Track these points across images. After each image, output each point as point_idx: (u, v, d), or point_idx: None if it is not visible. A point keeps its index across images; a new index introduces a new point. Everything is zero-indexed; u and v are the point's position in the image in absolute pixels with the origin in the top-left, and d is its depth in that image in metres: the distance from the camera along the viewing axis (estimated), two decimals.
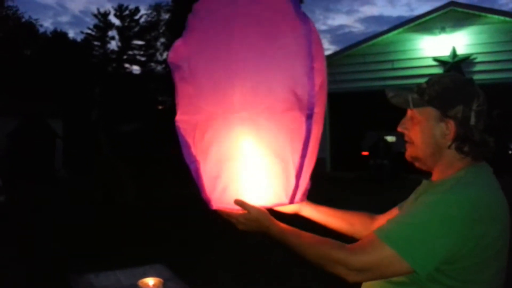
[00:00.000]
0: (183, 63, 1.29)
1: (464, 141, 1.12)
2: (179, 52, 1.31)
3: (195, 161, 1.30)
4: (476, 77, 9.71)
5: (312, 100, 1.18)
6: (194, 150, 1.30)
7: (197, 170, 1.29)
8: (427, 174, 1.24)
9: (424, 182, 1.25)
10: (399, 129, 1.22)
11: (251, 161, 1.25)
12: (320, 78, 1.24)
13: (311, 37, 1.20)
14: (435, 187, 1.15)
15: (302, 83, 1.18)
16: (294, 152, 1.22)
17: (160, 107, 27.97)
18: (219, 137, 1.25)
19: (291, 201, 1.30)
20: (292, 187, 1.27)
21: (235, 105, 1.21)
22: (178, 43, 1.32)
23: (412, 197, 1.29)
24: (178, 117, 1.33)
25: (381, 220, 1.37)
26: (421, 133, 1.16)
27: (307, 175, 1.32)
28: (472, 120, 1.11)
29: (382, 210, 1.44)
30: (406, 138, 1.22)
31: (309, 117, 1.19)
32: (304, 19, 1.22)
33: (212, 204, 1.31)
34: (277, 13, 1.24)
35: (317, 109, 1.22)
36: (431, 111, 1.14)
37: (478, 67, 9.96)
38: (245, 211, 1.26)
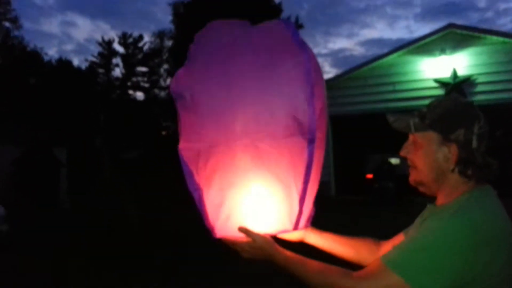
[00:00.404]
0: (185, 92, 1.31)
1: (467, 164, 1.11)
2: (181, 82, 1.33)
3: (198, 189, 1.30)
4: (478, 97, 9.75)
5: (313, 125, 1.19)
6: (197, 178, 1.30)
7: (201, 198, 1.29)
8: (432, 197, 1.23)
9: (429, 206, 1.24)
10: (402, 153, 1.22)
11: (254, 188, 1.25)
12: (320, 103, 1.25)
13: (310, 64, 1.22)
14: (440, 211, 1.13)
15: (303, 109, 1.19)
16: (297, 177, 1.22)
17: (163, 133, 28.10)
18: (221, 164, 1.25)
19: (295, 228, 1.29)
20: (296, 213, 1.26)
21: (237, 132, 1.22)
22: (180, 72, 1.34)
23: (417, 221, 1.27)
24: (181, 145, 1.33)
25: (387, 246, 1.35)
26: (424, 157, 1.16)
27: (310, 200, 1.32)
28: (474, 143, 1.11)
29: (387, 234, 1.42)
30: (409, 163, 1.21)
31: (311, 142, 1.19)
32: (303, 46, 1.24)
33: (216, 233, 1.30)
34: (277, 42, 1.26)
35: (318, 134, 1.23)
36: (433, 135, 1.14)
37: (479, 88, 10.00)
38: (250, 239, 1.25)
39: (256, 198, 1.25)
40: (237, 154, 1.23)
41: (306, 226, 1.37)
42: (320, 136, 1.26)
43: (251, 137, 1.21)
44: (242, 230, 1.25)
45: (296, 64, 1.22)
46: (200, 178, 1.30)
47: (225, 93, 1.24)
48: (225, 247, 1.31)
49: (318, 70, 1.30)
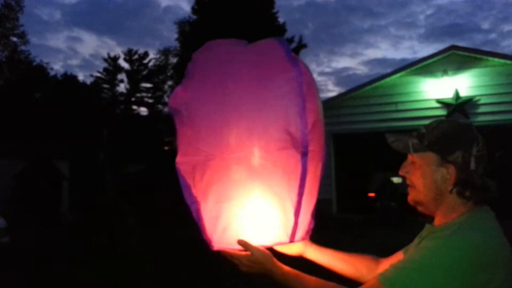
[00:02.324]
0: (182, 108, 1.35)
1: (465, 185, 1.12)
2: (178, 98, 1.37)
3: (195, 202, 1.32)
4: (479, 118, 9.77)
5: (306, 138, 1.21)
6: (194, 191, 1.32)
7: (198, 211, 1.31)
8: (432, 217, 1.23)
9: (427, 226, 1.24)
10: (401, 173, 1.23)
11: (250, 201, 1.26)
12: (312, 117, 1.28)
13: (302, 79, 1.26)
14: (438, 231, 1.13)
15: (295, 122, 1.22)
16: (292, 190, 1.24)
17: (166, 148, 28.12)
18: (217, 177, 1.27)
19: (291, 240, 1.30)
20: (292, 225, 1.27)
21: (232, 146, 1.24)
22: (177, 89, 1.39)
23: (415, 241, 1.27)
24: (178, 159, 1.36)
25: (386, 264, 1.35)
26: (422, 177, 1.16)
27: (307, 213, 1.33)
28: (472, 165, 1.11)
29: (388, 252, 1.42)
30: (408, 182, 1.22)
31: (304, 154, 1.22)
32: (295, 62, 1.28)
33: (213, 245, 1.31)
34: (270, 58, 1.31)
35: (312, 147, 1.25)
36: (431, 156, 1.14)
37: (481, 109, 10.03)
38: (248, 252, 1.26)
39: (252, 210, 1.27)
40: (232, 167, 1.25)
41: (303, 239, 1.37)
42: (314, 149, 1.28)
43: (245, 150, 1.24)
44: (241, 243, 1.26)
45: (288, 79, 1.25)
46: (197, 191, 1.32)
47: (219, 107, 1.28)
48: (225, 261, 1.31)
49: (312, 85, 1.32)
